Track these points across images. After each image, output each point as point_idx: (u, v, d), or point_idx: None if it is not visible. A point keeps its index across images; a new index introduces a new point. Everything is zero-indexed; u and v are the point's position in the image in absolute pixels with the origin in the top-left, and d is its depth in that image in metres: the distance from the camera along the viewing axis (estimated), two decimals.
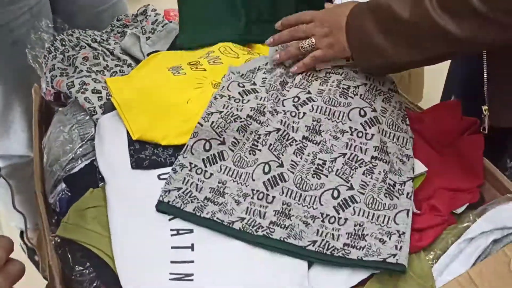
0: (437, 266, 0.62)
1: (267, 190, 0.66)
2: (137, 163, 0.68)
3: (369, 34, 0.68)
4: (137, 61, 0.92)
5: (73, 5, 1.10)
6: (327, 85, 0.76)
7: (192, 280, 0.59)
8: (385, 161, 0.69)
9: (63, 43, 0.91)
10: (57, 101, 0.88)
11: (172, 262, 0.60)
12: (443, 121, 0.79)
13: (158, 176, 0.68)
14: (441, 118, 0.79)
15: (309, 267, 0.61)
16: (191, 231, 0.63)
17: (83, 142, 0.76)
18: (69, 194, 0.71)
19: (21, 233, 1.38)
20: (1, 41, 0.98)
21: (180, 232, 0.62)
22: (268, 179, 0.67)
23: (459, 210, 0.70)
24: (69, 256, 0.64)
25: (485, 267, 0.60)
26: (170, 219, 0.63)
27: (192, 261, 0.60)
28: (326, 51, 0.76)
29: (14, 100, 1.09)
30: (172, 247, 0.61)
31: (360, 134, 0.71)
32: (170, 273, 0.59)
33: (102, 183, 0.69)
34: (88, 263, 0.62)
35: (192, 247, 0.61)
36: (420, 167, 0.72)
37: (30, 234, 1.30)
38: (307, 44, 0.76)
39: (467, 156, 0.75)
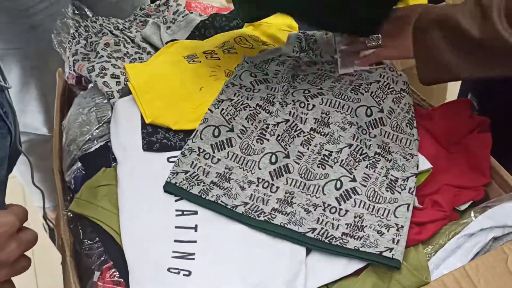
0: (434, 260, 0.63)
1: (272, 180, 0.68)
2: (148, 146, 0.71)
3: (436, 48, 0.66)
4: (157, 49, 0.95)
5: None
6: (339, 83, 0.78)
7: (193, 259, 0.61)
8: (387, 159, 0.70)
9: (87, 29, 0.94)
10: (79, 85, 0.92)
11: (175, 241, 0.62)
12: (452, 119, 0.79)
13: (168, 158, 0.71)
14: (451, 116, 0.79)
15: (307, 253, 0.63)
16: (195, 212, 0.65)
17: (100, 124, 0.80)
18: (84, 172, 0.74)
19: (43, 216, 1.43)
20: (21, 25, 1.03)
21: (185, 213, 0.65)
22: (274, 170, 0.69)
23: (463, 207, 0.70)
24: (80, 230, 0.67)
25: (482, 263, 0.60)
26: (176, 200, 0.66)
27: (195, 241, 0.62)
28: (391, 51, 0.76)
29: (31, 82, 1.13)
30: (176, 227, 0.63)
31: (364, 132, 0.72)
32: (173, 251, 0.61)
33: (115, 163, 0.72)
34: (97, 238, 0.65)
35: (195, 228, 0.64)
36: (425, 163, 0.73)
37: (51, 214, 1.35)
38: (374, 40, 0.76)
39: (474, 154, 0.75)
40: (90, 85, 0.89)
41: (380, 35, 0.76)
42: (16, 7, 1.00)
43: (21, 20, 1.02)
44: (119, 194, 0.66)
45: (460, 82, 1.07)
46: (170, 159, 0.70)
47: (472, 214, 0.67)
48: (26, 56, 1.07)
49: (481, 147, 0.75)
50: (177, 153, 0.71)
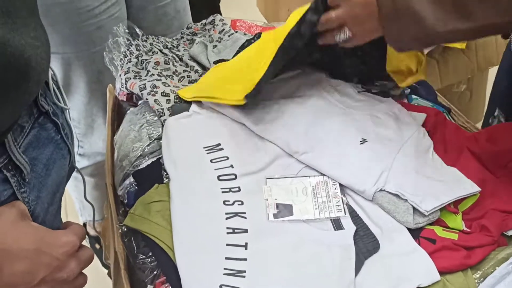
0: (483, 286, 0.63)
1: None
2: None
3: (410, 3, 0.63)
4: (204, 67, 0.98)
5: (142, 0, 1.20)
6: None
7: (244, 276, 0.63)
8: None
9: (138, 48, 0.98)
10: (129, 101, 0.95)
11: (226, 258, 0.64)
12: (498, 142, 0.79)
13: (218, 177, 0.73)
14: (497, 139, 0.79)
15: (356, 273, 0.64)
16: (245, 231, 0.67)
17: (151, 141, 0.82)
18: (137, 188, 0.77)
19: (84, 224, 1.48)
20: (88, 26, 1.09)
21: (236, 231, 0.67)
22: None
23: (510, 232, 0.70)
24: (134, 245, 0.69)
25: None
26: (227, 218, 0.68)
27: (245, 259, 0.64)
28: (361, 37, 0.73)
29: (97, 90, 1.19)
30: (227, 244, 0.65)
31: None
32: (224, 268, 0.63)
33: (167, 180, 0.75)
34: (150, 253, 0.67)
35: (245, 246, 0.65)
36: (474, 187, 0.73)
37: (97, 224, 1.40)
38: (343, 37, 0.74)
39: None
40: (140, 102, 0.92)
41: (346, 29, 0.73)
42: (84, 8, 1.06)
43: (89, 21, 1.09)
44: (172, 211, 0.69)
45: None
46: (221, 177, 0.73)
47: None
48: (93, 59, 1.13)
49: None
50: (227, 170, 0.73)
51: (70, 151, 0.67)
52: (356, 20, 0.72)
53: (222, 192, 0.71)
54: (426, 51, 1.38)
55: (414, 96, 0.91)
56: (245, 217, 0.69)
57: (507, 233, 0.70)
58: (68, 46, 1.09)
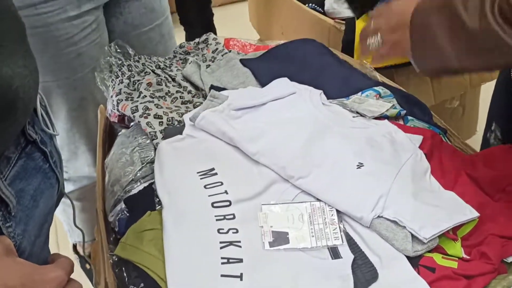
0: None
1: None
2: None
3: (433, 33, 0.67)
4: (197, 88, 0.97)
5: (125, 25, 1.19)
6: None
7: None
8: None
9: (130, 68, 0.97)
10: (121, 123, 0.93)
11: None
12: (497, 165, 0.78)
13: (212, 204, 0.71)
14: (495, 162, 0.78)
15: None
16: (241, 260, 0.65)
17: (143, 165, 0.81)
18: (128, 214, 0.75)
19: (74, 246, 1.45)
20: (68, 54, 1.07)
21: (231, 261, 0.65)
22: None
23: (510, 259, 0.69)
24: (125, 275, 0.67)
25: None
26: (221, 247, 0.66)
27: None
28: (392, 50, 0.77)
29: (80, 117, 1.16)
30: (222, 275, 0.63)
31: None
32: None
33: (159, 206, 0.73)
34: (142, 284, 0.65)
35: (241, 277, 0.63)
36: (472, 212, 0.72)
37: (85, 245, 1.37)
38: (374, 42, 0.78)
39: None
40: (132, 124, 0.91)
41: (379, 35, 0.77)
42: (63, 36, 1.04)
43: (68, 49, 1.06)
44: (165, 240, 0.67)
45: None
46: (215, 204, 0.71)
47: None
48: (74, 86, 1.11)
49: None
50: (222, 197, 0.71)
51: (59, 179, 0.65)
52: (389, 28, 0.75)
53: (217, 220, 0.69)
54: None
55: (410, 117, 0.90)
56: (240, 246, 0.67)
57: (507, 260, 0.69)
58: (47, 75, 1.06)
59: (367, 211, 0.70)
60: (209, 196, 0.72)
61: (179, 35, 2.21)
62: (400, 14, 0.73)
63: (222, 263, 0.65)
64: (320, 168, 0.75)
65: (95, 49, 1.10)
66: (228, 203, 0.71)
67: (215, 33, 2.11)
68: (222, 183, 0.74)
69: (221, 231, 0.68)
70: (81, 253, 1.21)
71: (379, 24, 0.77)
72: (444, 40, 0.66)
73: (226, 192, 0.73)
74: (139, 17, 1.19)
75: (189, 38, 2.14)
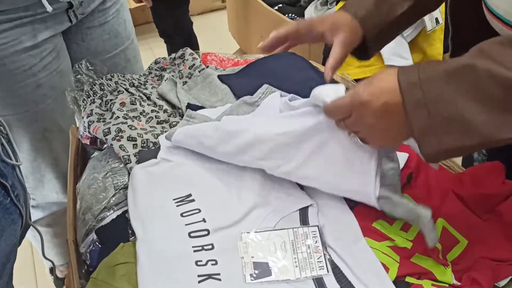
0: None
1: None
2: None
3: (450, 106, 0.52)
4: (173, 106, 0.93)
5: (88, 51, 1.13)
6: None
7: None
8: None
9: (102, 87, 0.92)
10: (93, 145, 0.89)
11: None
12: (484, 184, 0.75)
13: (189, 234, 0.67)
14: (482, 181, 0.76)
15: None
16: None
17: (116, 191, 0.76)
18: (100, 246, 0.70)
19: (51, 269, 1.40)
20: (27, 86, 1.01)
21: None
22: None
23: (502, 283, 0.66)
24: None
25: None
26: (199, 281, 0.62)
27: None
28: (382, 145, 0.63)
29: (44, 148, 1.11)
30: None
31: None
32: None
33: (133, 237, 0.69)
34: None
35: None
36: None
37: (62, 268, 1.31)
38: (357, 139, 0.64)
39: (510, 223, 0.71)
40: (105, 146, 0.86)
41: (357, 137, 0.63)
42: (20, 68, 0.98)
43: (26, 81, 1.01)
44: (139, 275, 0.62)
45: None
46: (192, 234, 0.67)
47: None
48: (35, 118, 1.05)
49: None
50: (199, 226, 0.67)
51: (22, 213, 0.60)
52: (371, 131, 0.61)
53: (194, 251, 0.65)
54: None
55: None
56: (219, 279, 0.63)
57: (498, 284, 0.66)
58: (6, 109, 1.00)
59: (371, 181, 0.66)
60: (186, 225, 0.68)
61: (160, 48, 2.17)
62: (379, 101, 0.57)
63: None
64: (309, 152, 0.69)
65: (56, 78, 1.04)
66: (206, 233, 0.67)
67: (196, 42, 2.07)
68: (199, 210, 0.70)
69: (199, 263, 0.64)
70: (56, 276, 1.16)
71: (355, 127, 0.62)
72: (471, 110, 0.52)
73: (204, 220, 0.69)
74: (102, 44, 1.13)
75: (171, 49, 2.10)
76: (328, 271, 0.65)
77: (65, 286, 1.23)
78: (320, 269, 0.65)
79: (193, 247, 0.65)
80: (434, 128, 0.54)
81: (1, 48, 0.94)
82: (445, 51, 1.39)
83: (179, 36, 2.00)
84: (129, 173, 0.78)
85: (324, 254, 0.66)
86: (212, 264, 0.64)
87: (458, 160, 0.86)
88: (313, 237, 0.68)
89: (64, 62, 1.06)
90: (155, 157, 0.78)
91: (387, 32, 0.79)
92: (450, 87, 0.53)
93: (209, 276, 0.63)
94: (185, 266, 0.63)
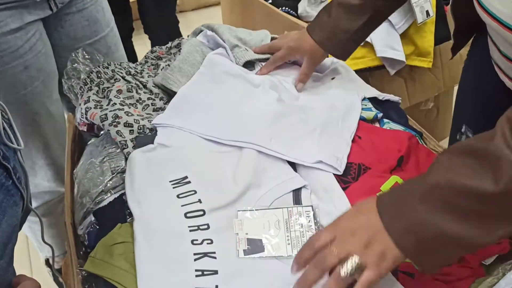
0: None
1: None
2: None
3: (433, 224, 0.52)
4: (169, 94, 0.94)
5: (68, 38, 1.15)
6: None
7: None
8: None
9: (99, 75, 0.93)
10: (90, 132, 0.90)
11: None
12: None
13: (185, 214, 0.69)
14: None
15: None
16: (215, 272, 0.63)
17: (113, 175, 0.78)
18: (98, 227, 0.72)
19: (46, 260, 1.41)
20: (15, 67, 1.03)
21: (205, 273, 0.62)
22: None
23: (488, 261, 0.68)
24: None
25: None
26: (195, 259, 0.64)
27: None
28: (380, 267, 0.54)
29: (34, 132, 1.12)
30: None
31: None
32: None
33: (130, 218, 0.70)
34: None
35: None
36: None
37: (57, 259, 1.32)
38: (351, 266, 0.54)
39: None
40: (102, 132, 0.88)
41: (355, 258, 0.54)
42: (7, 50, 1.00)
43: (13, 62, 1.02)
44: (136, 253, 0.64)
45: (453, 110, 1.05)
46: (188, 214, 0.68)
47: (501, 271, 0.65)
48: (24, 101, 1.07)
49: None
50: (195, 206, 0.69)
51: (24, 195, 0.61)
52: (368, 249, 0.55)
53: (190, 230, 0.67)
54: (393, 71, 1.39)
55: (386, 120, 0.90)
56: (215, 257, 0.65)
57: (485, 262, 0.68)
58: None
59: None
60: (182, 206, 0.70)
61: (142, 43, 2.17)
62: (364, 222, 0.56)
63: (197, 276, 0.62)
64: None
65: (41, 59, 1.05)
66: (202, 213, 0.69)
67: None
68: (195, 192, 0.72)
69: (195, 242, 0.66)
70: (53, 267, 1.17)
71: (346, 247, 0.55)
72: (449, 223, 0.51)
73: (199, 201, 0.70)
74: (81, 30, 1.14)
75: (153, 46, 2.10)
76: None
77: (63, 270, 1.24)
78: None
79: (189, 226, 0.67)
80: (426, 250, 0.53)
81: None
82: (436, 43, 1.41)
83: (164, 32, 2.01)
84: (126, 158, 0.79)
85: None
86: (208, 243, 0.66)
87: (446, 143, 0.88)
88: (306, 216, 0.70)
89: (46, 45, 1.09)
90: (152, 143, 0.80)
91: (350, 44, 0.92)
92: (424, 208, 0.52)
93: (205, 254, 0.65)
94: (181, 244, 0.65)
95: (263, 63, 0.98)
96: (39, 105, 1.09)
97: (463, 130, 1.00)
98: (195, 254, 0.64)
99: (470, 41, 0.94)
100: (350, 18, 0.87)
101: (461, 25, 0.90)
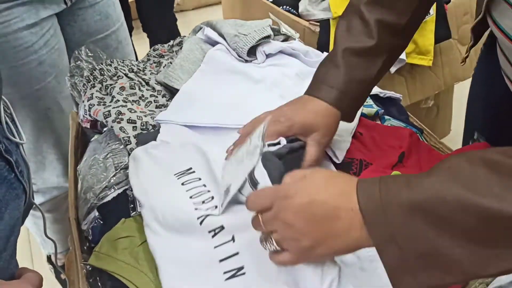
0: None
1: None
2: None
3: (426, 238, 0.44)
4: (171, 91, 0.95)
5: (80, 32, 1.16)
6: None
7: (244, 273, 0.58)
8: None
9: (102, 72, 0.94)
10: (93, 129, 0.91)
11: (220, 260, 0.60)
12: None
13: (191, 197, 0.68)
14: None
15: None
16: (222, 228, 0.62)
17: (117, 171, 0.78)
18: (102, 222, 0.72)
19: (48, 257, 1.41)
20: (29, 63, 1.03)
21: (216, 231, 0.62)
22: None
23: None
24: (100, 285, 0.65)
25: None
26: (212, 236, 0.62)
27: (237, 253, 0.60)
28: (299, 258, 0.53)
29: (46, 127, 1.13)
30: (215, 246, 0.61)
31: None
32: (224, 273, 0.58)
33: (134, 213, 0.71)
34: None
35: (233, 239, 0.61)
36: None
37: (59, 256, 1.33)
38: (269, 247, 0.54)
39: None
40: (105, 129, 0.88)
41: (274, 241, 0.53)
42: (23, 45, 1.01)
43: (28, 58, 1.03)
44: (153, 242, 0.63)
45: (464, 117, 1.04)
46: (193, 196, 0.68)
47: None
48: (38, 96, 1.07)
49: None
50: (200, 189, 0.69)
51: (26, 189, 0.62)
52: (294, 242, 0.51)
53: (194, 204, 0.66)
54: (393, 69, 1.39)
55: (387, 117, 0.90)
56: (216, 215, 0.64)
57: None
58: (9, 87, 1.01)
59: None
60: (187, 191, 0.69)
61: (142, 42, 2.17)
62: (318, 226, 0.50)
63: (215, 247, 0.61)
64: None
65: (55, 55, 1.06)
66: (210, 197, 0.68)
67: None
68: (200, 179, 0.72)
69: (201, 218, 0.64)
70: (54, 262, 1.17)
71: (272, 226, 0.52)
72: (446, 244, 0.43)
73: (204, 185, 0.70)
74: (93, 24, 1.16)
75: (152, 45, 2.11)
76: None
77: (66, 267, 1.25)
78: None
79: (194, 204, 0.66)
80: (407, 267, 0.45)
81: (5, 25, 0.96)
82: (436, 42, 1.42)
83: (162, 31, 2.01)
84: (129, 154, 0.80)
85: None
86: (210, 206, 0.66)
87: (447, 142, 0.88)
88: None
89: (61, 41, 1.10)
90: (155, 139, 0.81)
91: (362, 99, 0.75)
92: (416, 219, 0.44)
93: (222, 228, 0.63)
94: (189, 222, 0.64)
95: (265, 49, 0.97)
96: (52, 100, 1.10)
97: (475, 137, 0.99)
98: (210, 232, 0.62)
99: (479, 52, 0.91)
100: (364, 66, 0.70)
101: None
